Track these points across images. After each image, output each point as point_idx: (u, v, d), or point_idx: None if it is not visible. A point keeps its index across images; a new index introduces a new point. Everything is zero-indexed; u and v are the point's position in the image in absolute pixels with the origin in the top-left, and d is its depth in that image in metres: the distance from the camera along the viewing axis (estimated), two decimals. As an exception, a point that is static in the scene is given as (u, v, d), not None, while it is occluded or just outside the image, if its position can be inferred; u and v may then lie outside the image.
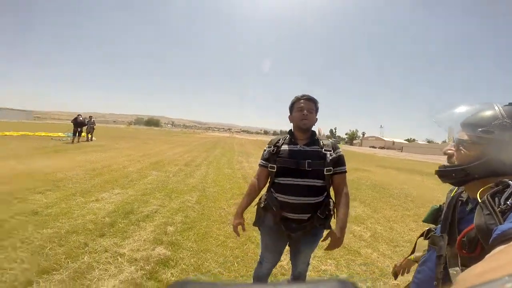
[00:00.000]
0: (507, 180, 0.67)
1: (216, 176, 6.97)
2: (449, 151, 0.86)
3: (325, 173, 1.54)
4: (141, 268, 2.29)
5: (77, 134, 13.67)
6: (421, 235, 1.10)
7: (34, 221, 3.16)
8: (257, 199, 1.76)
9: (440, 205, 1.07)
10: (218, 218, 3.74)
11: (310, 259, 1.82)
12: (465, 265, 0.72)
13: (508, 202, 0.62)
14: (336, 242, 1.53)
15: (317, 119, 1.68)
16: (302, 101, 1.63)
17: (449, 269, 0.76)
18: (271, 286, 0.24)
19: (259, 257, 1.83)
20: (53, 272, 2.17)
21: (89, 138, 15.14)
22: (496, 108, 0.75)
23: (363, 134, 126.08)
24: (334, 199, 1.64)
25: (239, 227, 1.70)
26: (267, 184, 1.69)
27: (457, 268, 0.74)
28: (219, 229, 3.34)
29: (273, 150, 1.63)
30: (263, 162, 1.69)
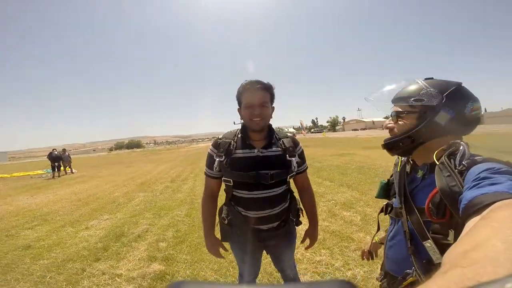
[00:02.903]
0: (458, 141, 0.75)
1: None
2: (389, 125, 0.93)
3: (288, 179, 1.37)
4: (139, 286, 2.38)
5: (56, 169, 13.39)
6: (381, 211, 1.08)
7: (29, 254, 3.29)
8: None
9: (389, 179, 1.09)
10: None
11: (294, 260, 1.64)
12: (437, 233, 0.74)
13: (463, 163, 0.67)
14: (314, 240, 1.55)
15: (273, 108, 1.36)
16: (250, 92, 1.27)
17: (423, 242, 0.77)
18: (270, 287, 0.26)
19: (238, 271, 1.63)
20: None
21: (69, 171, 14.83)
22: (419, 81, 0.87)
23: (344, 119, 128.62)
24: (298, 195, 1.54)
25: (220, 249, 1.48)
26: (227, 195, 1.42)
27: (429, 240, 0.75)
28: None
29: (226, 163, 1.30)
30: (213, 173, 1.38)
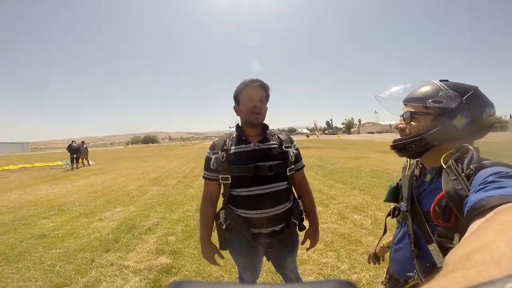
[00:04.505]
0: (466, 145, 0.73)
1: None
2: (400, 125, 0.90)
3: (288, 173, 1.33)
4: (145, 278, 2.43)
5: (74, 161, 13.88)
6: (389, 215, 1.07)
7: (43, 243, 3.41)
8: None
9: (397, 183, 1.07)
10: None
11: (296, 264, 1.62)
12: (442, 236, 0.74)
13: (471, 167, 0.65)
14: (315, 242, 1.53)
15: (267, 108, 1.39)
16: (251, 88, 1.32)
17: (428, 246, 0.77)
18: (271, 286, 0.24)
19: (238, 274, 1.60)
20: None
21: (87, 163, 15.41)
22: (436, 82, 0.84)
23: (360, 122, 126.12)
24: (297, 196, 1.50)
25: (215, 256, 1.44)
26: (222, 198, 1.40)
27: (434, 243, 0.75)
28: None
29: (222, 157, 1.29)
30: (211, 174, 1.35)
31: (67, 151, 14.24)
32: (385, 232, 1.22)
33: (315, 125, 55.11)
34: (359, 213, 3.97)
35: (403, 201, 0.96)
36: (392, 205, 1.07)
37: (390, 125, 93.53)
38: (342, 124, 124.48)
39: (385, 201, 1.11)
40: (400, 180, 1.04)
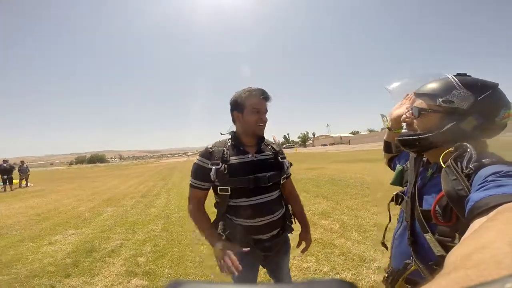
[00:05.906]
0: (465, 144, 0.70)
1: (179, 202, 6.61)
2: (408, 119, 0.86)
3: (281, 182, 1.40)
4: (120, 301, 2.21)
5: (7, 182, 12.48)
6: (391, 200, 1.02)
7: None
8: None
9: (404, 166, 1.03)
10: (190, 242, 3.63)
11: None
12: (443, 235, 0.72)
13: (470, 166, 0.63)
14: (309, 243, 1.55)
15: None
16: (260, 100, 1.30)
17: (424, 235, 0.76)
18: (269, 286, 0.23)
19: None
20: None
21: (24, 184, 13.83)
22: (451, 78, 0.77)
23: (314, 135, 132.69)
24: (288, 202, 1.52)
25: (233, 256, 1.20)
26: (221, 208, 1.32)
27: (429, 233, 0.74)
28: (193, 252, 3.27)
29: (224, 169, 1.25)
30: (203, 184, 1.30)
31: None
32: (390, 220, 1.15)
33: (273, 139, 56.24)
34: (327, 219, 4.16)
35: (406, 185, 0.96)
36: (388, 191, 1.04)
37: (341, 137, 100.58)
38: (298, 137, 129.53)
39: (391, 184, 1.09)
40: (407, 162, 1.02)
